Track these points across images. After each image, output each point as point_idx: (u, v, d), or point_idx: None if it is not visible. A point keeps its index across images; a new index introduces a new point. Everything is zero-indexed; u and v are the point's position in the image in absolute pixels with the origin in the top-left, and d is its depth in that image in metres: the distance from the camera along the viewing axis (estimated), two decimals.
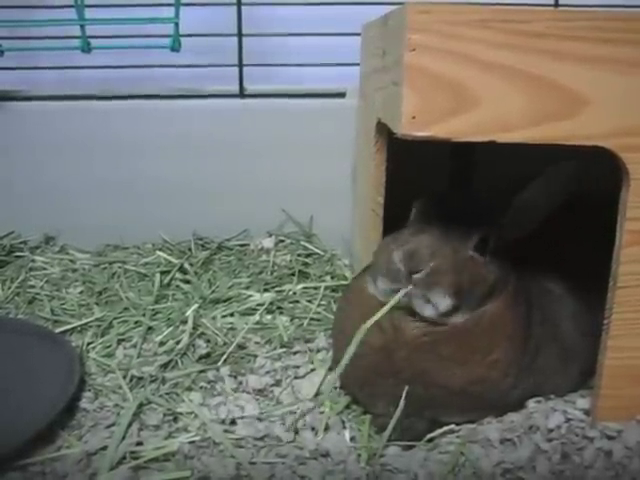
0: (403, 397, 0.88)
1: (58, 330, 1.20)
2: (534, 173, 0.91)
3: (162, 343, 1.15)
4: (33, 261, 1.50)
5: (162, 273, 1.41)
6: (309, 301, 1.32)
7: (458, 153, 1.02)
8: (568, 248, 1.03)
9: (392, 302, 0.85)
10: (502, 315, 0.90)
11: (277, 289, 1.37)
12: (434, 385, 0.89)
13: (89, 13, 1.41)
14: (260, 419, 0.96)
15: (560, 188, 0.92)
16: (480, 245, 0.89)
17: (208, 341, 1.16)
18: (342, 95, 1.55)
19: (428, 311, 0.86)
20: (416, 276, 0.84)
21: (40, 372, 1.04)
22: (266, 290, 1.36)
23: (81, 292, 1.37)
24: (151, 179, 1.56)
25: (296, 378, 1.06)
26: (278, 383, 1.05)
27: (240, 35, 1.55)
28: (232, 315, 1.26)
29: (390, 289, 0.87)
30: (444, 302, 0.85)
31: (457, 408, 0.92)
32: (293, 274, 1.43)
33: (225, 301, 1.32)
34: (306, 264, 1.49)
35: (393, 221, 1.00)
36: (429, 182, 1.01)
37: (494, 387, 0.90)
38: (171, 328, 1.20)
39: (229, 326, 1.22)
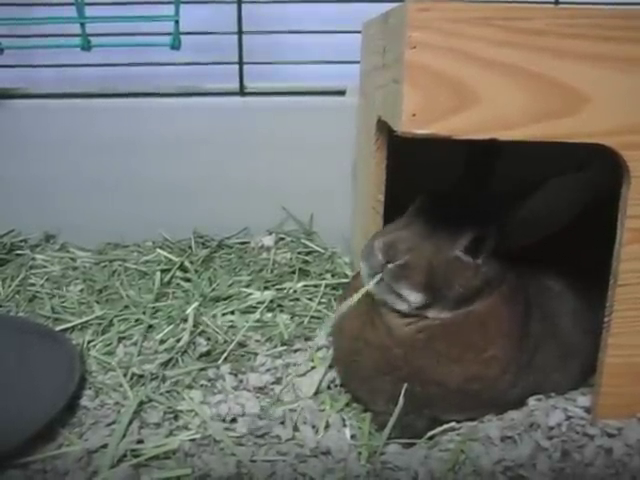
0: (402, 395, 0.88)
1: (58, 328, 1.20)
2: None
3: (162, 341, 1.15)
4: (33, 259, 1.50)
5: (162, 271, 1.41)
6: (309, 299, 1.32)
7: (476, 153, 1.00)
8: (568, 245, 1.03)
9: (365, 288, 0.87)
10: (494, 313, 0.90)
11: (277, 287, 1.37)
12: (431, 383, 0.89)
13: (89, 11, 1.40)
14: (260, 417, 0.96)
15: (573, 199, 0.89)
16: (473, 246, 0.87)
17: (208, 339, 1.16)
18: (342, 93, 1.55)
19: (399, 304, 0.86)
20: (388, 266, 0.84)
21: (41, 370, 1.04)
22: (266, 288, 1.36)
23: (81, 290, 1.37)
24: (151, 177, 1.56)
25: (296, 376, 1.06)
26: (278, 381, 1.05)
27: (240, 33, 1.54)
28: (232, 313, 1.26)
29: (368, 274, 0.87)
30: (412, 296, 0.85)
31: (456, 406, 0.92)
32: (293, 272, 1.43)
33: (225, 299, 1.32)
34: (306, 262, 1.49)
35: (393, 219, 1.00)
36: (429, 180, 1.00)
37: (492, 385, 0.90)
38: (171, 326, 1.20)
39: (229, 324, 1.22)
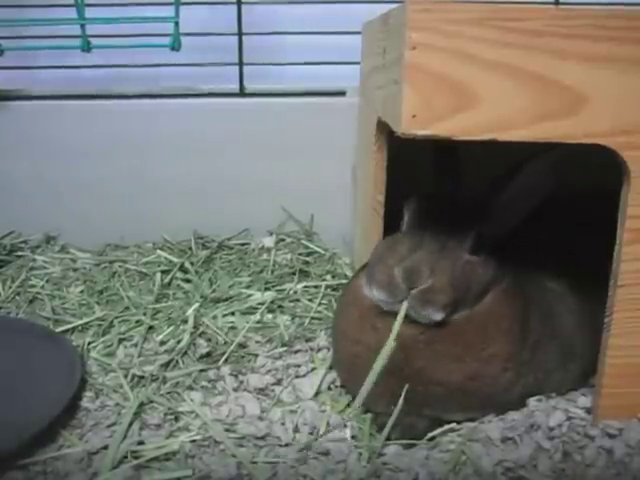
0: (402, 395, 0.88)
1: (59, 329, 1.20)
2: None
3: (163, 342, 1.15)
4: (34, 260, 1.50)
5: (163, 272, 1.41)
6: (310, 300, 1.32)
7: (441, 151, 1.01)
8: (569, 246, 1.03)
9: (395, 329, 0.85)
10: (496, 310, 0.90)
11: (278, 288, 1.37)
12: (433, 382, 0.89)
13: (89, 12, 1.40)
14: (261, 418, 0.96)
15: (539, 184, 0.92)
16: (475, 244, 0.90)
17: (209, 340, 1.16)
18: (342, 94, 1.55)
19: (423, 320, 0.87)
20: (413, 292, 0.85)
21: (41, 372, 1.04)
22: (267, 289, 1.36)
23: (82, 291, 1.37)
24: (151, 178, 1.56)
25: (297, 377, 1.06)
26: (279, 382, 1.05)
27: (240, 34, 1.54)
28: (233, 314, 1.26)
29: (387, 301, 0.87)
30: (437, 315, 0.86)
31: (457, 405, 0.92)
32: (294, 273, 1.43)
33: (226, 300, 1.32)
34: (307, 263, 1.49)
35: (394, 219, 1.00)
36: (429, 181, 1.00)
37: (493, 382, 0.90)
38: (172, 327, 1.20)
39: (230, 325, 1.22)
